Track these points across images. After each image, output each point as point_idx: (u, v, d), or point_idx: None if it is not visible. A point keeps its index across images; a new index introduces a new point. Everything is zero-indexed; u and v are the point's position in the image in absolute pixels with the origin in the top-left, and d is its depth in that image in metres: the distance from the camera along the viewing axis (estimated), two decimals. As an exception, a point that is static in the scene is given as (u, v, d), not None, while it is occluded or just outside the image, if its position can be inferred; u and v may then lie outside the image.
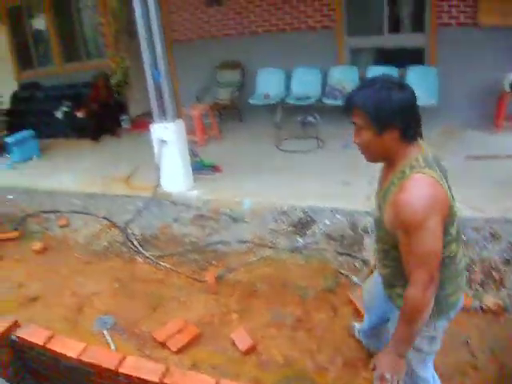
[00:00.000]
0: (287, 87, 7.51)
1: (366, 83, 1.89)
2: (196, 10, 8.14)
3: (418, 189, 1.73)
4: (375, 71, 6.79)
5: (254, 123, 7.83)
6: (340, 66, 7.15)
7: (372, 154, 1.89)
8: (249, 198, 5.07)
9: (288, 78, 7.53)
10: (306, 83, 7.28)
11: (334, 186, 5.01)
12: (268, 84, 7.59)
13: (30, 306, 4.07)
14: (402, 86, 1.81)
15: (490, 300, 3.37)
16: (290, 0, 7.26)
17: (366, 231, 4.13)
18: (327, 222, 4.40)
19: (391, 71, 6.64)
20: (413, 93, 1.81)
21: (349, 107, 1.85)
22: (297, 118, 6.58)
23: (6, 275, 4.68)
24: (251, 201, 5.02)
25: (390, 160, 1.88)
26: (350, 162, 5.43)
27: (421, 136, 1.88)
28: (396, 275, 1.98)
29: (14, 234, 5.57)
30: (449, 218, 1.80)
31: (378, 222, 1.95)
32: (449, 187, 1.85)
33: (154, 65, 5.38)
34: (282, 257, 4.08)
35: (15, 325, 2.69)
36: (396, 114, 1.75)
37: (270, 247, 4.27)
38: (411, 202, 1.71)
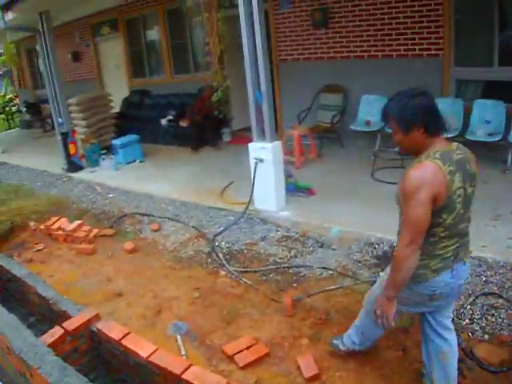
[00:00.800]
0: (389, 116, 7.35)
1: (393, 96, 2.36)
2: (303, 31, 8.26)
3: (419, 169, 2.18)
4: (481, 105, 6.58)
5: (353, 149, 7.79)
6: (445, 97, 6.87)
7: (405, 149, 2.39)
8: (338, 226, 5.04)
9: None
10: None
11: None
12: (370, 111, 7.49)
13: (114, 300, 4.29)
14: (421, 93, 2.27)
15: None
16: (397, 27, 7.16)
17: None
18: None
19: (498, 106, 6.39)
20: (430, 97, 2.28)
21: (384, 117, 2.38)
22: (395, 147, 6.44)
23: (97, 269, 4.98)
24: (339, 228, 4.98)
25: (420, 152, 2.29)
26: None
27: (444, 131, 2.33)
28: None
29: (110, 231, 5.91)
30: (443, 204, 2.20)
31: (396, 197, 2.42)
32: (464, 186, 2.26)
33: (257, 86, 5.51)
34: (361, 289, 3.99)
35: (96, 317, 2.86)
36: (416, 116, 2.22)
37: (351, 277, 4.20)
38: (409, 177, 2.18)
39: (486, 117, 6.51)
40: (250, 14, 5.30)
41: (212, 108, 9.18)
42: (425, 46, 6.97)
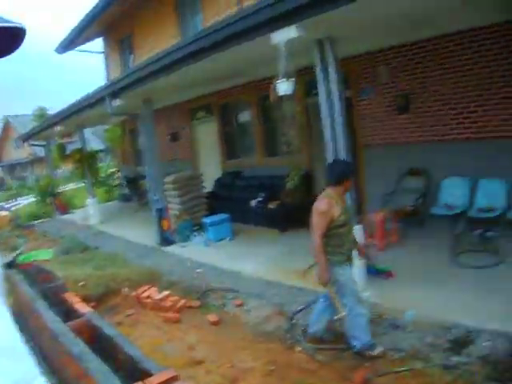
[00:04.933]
0: (471, 198, 7.34)
1: (336, 165, 4.83)
2: (385, 116, 8.58)
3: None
4: None
5: (435, 232, 7.73)
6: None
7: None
8: (413, 309, 5.06)
9: (472, 188, 7.38)
10: (490, 195, 7.05)
11: (506, 306, 4.79)
12: (451, 194, 7.54)
13: (194, 367, 4.58)
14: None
15: None
16: (476, 109, 7.30)
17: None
18: (486, 344, 4.23)
19: None
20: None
21: (343, 177, 4.44)
22: (478, 231, 6.44)
23: (180, 337, 5.32)
24: (414, 311, 5.01)
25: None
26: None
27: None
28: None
29: (196, 302, 6.28)
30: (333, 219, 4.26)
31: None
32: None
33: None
34: (431, 372, 4.01)
35: (175, 378, 3.14)
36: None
37: (423, 360, 4.22)
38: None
39: None
40: (331, 103, 5.70)
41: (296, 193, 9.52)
42: (504, 128, 6.98)
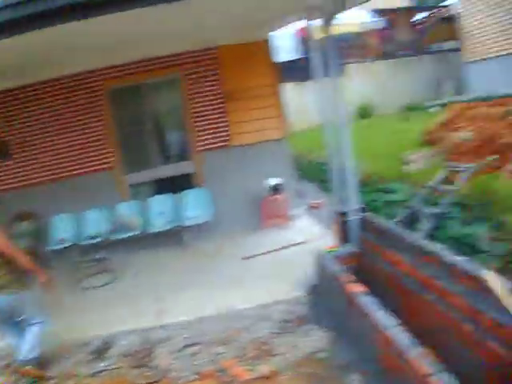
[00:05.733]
0: (80, 229, 8.09)
1: None
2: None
3: None
4: (155, 201, 7.95)
5: (55, 266, 8.12)
6: (124, 202, 8.09)
7: None
8: (55, 336, 5.31)
9: (80, 220, 8.13)
10: (96, 222, 7.98)
11: (127, 310, 5.71)
12: (62, 229, 8.11)
13: None
14: None
15: (264, 368, 4.17)
16: (71, 149, 8.18)
17: (155, 343, 4.90)
18: (123, 343, 5.02)
19: (168, 198, 7.86)
20: None
21: None
22: (89, 256, 7.27)
23: None
24: (57, 339, 5.27)
25: None
26: (140, 286, 6.45)
27: None
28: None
29: None
30: None
31: None
32: None
33: None
34: (85, 383, 4.56)
35: None
36: None
37: (73, 377, 4.67)
38: None
39: (161, 209, 7.86)
40: None
41: None
42: (99, 163, 8.15)
